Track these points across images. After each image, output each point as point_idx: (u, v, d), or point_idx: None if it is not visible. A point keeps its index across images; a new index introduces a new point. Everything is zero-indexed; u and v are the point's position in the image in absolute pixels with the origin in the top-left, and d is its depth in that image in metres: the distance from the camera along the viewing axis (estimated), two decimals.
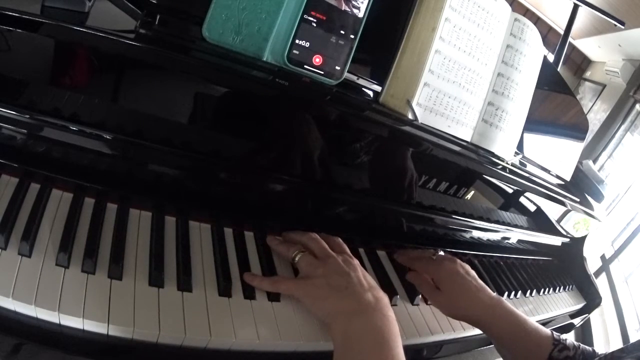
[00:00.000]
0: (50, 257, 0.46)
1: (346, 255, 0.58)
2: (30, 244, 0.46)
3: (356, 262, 0.58)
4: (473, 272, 0.70)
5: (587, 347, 0.62)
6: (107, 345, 0.44)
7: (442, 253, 0.76)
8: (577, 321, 1.06)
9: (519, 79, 0.79)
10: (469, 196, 0.78)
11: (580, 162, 1.12)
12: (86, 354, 0.43)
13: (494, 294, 0.67)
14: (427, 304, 0.71)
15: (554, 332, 0.63)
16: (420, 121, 0.70)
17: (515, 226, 0.93)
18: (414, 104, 0.69)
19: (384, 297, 0.54)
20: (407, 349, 0.63)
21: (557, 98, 1.02)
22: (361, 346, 0.48)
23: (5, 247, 0.44)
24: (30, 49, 0.47)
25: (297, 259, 0.58)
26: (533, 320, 0.65)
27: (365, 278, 0.55)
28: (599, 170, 1.62)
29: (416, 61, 0.69)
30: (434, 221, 0.80)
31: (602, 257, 2.68)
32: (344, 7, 0.62)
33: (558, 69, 1.17)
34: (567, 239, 1.11)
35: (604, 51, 4.58)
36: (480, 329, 0.66)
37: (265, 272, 0.58)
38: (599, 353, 0.61)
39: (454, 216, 0.80)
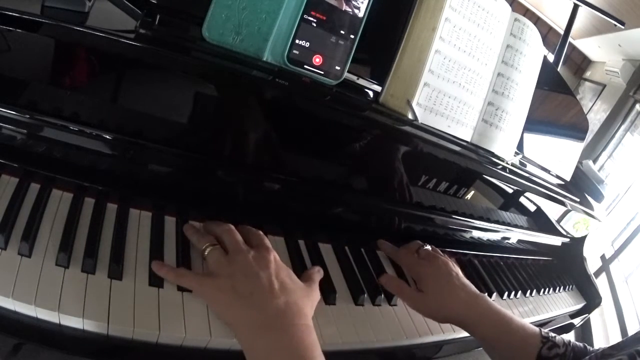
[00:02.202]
0: (50, 257, 0.46)
1: (260, 250, 0.51)
2: (30, 244, 0.46)
3: (271, 256, 0.51)
4: (456, 270, 0.67)
5: (577, 344, 0.60)
6: (107, 345, 0.44)
7: (428, 247, 0.72)
8: (577, 321, 1.06)
9: (519, 79, 0.79)
10: (469, 196, 0.78)
11: (580, 162, 1.12)
12: (86, 354, 0.43)
13: (477, 292, 0.64)
14: None
15: (543, 330, 0.61)
16: (420, 121, 0.70)
17: (515, 226, 0.93)
18: (414, 104, 0.69)
19: (297, 301, 0.48)
20: (407, 349, 0.64)
21: (557, 98, 1.02)
22: None
23: (5, 247, 0.44)
24: (30, 49, 0.47)
25: (206, 252, 0.51)
26: (530, 320, 0.64)
27: (278, 277, 0.49)
28: (599, 170, 1.62)
29: (416, 61, 0.69)
30: (434, 221, 0.80)
31: (602, 257, 2.68)
32: (344, 7, 0.62)
33: (558, 69, 1.17)
34: (567, 239, 1.11)
35: (604, 51, 4.58)
36: (464, 329, 0.63)
37: None
38: (590, 349, 0.60)
39: (454, 216, 0.80)
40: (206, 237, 0.54)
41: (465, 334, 0.71)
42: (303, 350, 0.43)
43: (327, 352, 0.52)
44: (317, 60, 0.62)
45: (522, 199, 0.89)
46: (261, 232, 0.56)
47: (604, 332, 2.05)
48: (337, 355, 0.54)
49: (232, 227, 0.54)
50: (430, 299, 0.63)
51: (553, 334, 0.61)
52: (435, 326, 0.67)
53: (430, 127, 0.71)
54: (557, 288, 1.01)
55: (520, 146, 0.89)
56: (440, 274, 0.65)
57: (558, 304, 0.99)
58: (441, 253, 0.71)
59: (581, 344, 0.60)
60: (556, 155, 0.97)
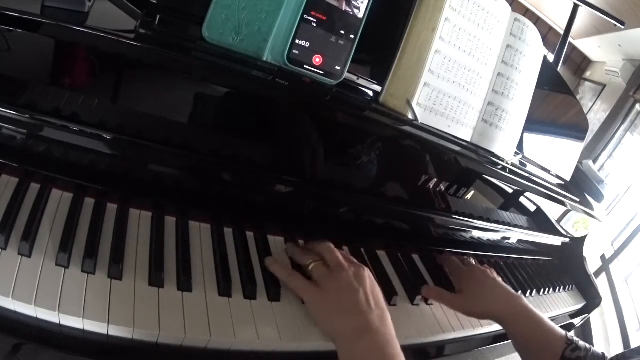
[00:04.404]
0: (50, 257, 0.46)
1: (358, 268, 0.59)
2: (30, 244, 0.45)
3: (366, 273, 0.58)
4: (495, 274, 0.76)
5: (597, 351, 0.65)
6: (107, 345, 0.44)
7: (472, 260, 0.81)
8: (577, 321, 1.06)
9: (519, 79, 0.79)
10: (469, 196, 0.78)
11: (580, 162, 1.11)
12: (86, 354, 0.43)
13: (514, 292, 0.71)
14: (427, 304, 0.71)
15: (568, 333, 0.67)
16: (420, 121, 0.70)
17: (515, 226, 0.93)
18: (414, 104, 0.69)
19: (387, 315, 0.55)
20: (407, 349, 0.64)
21: (557, 98, 1.02)
22: None
23: (5, 247, 0.44)
24: (30, 49, 0.47)
25: (310, 267, 0.58)
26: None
27: (373, 293, 0.56)
28: (599, 170, 1.62)
29: (416, 61, 0.69)
30: (433, 221, 0.80)
31: (602, 257, 2.68)
32: (344, 7, 0.62)
33: (558, 69, 1.17)
34: (567, 239, 1.11)
35: (604, 51, 4.59)
36: (501, 325, 0.70)
37: (266, 272, 0.58)
38: (608, 357, 0.64)
39: (454, 216, 0.80)
40: (309, 254, 0.60)
41: (465, 333, 0.72)
42: (393, 354, 0.50)
43: (326, 352, 0.53)
44: (317, 60, 0.62)
45: (522, 199, 0.89)
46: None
47: (604, 332, 2.05)
48: None
49: (332, 245, 0.61)
50: (472, 298, 0.70)
51: (577, 339, 0.66)
52: (435, 326, 0.68)
53: (430, 127, 0.71)
54: (557, 288, 1.02)
55: (520, 146, 0.89)
56: (480, 276, 0.74)
57: (558, 304, 0.99)
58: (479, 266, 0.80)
59: (600, 352, 0.65)
60: (556, 155, 0.97)
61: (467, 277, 0.74)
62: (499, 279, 0.74)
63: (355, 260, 0.61)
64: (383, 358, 0.50)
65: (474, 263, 0.81)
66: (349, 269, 0.57)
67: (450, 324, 0.70)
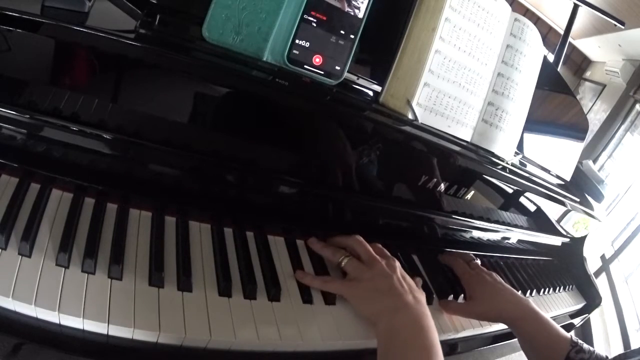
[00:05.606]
0: (50, 257, 0.46)
1: (389, 259, 0.63)
2: (30, 244, 0.45)
3: (397, 264, 0.62)
4: (499, 278, 0.78)
5: (600, 354, 0.66)
6: (107, 345, 0.44)
7: (477, 261, 0.82)
8: (577, 321, 1.06)
9: (519, 79, 0.79)
10: (469, 196, 0.78)
11: (580, 162, 1.11)
12: (86, 354, 0.43)
13: (520, 295, 0.74)
14: (427, 304, 0.71)
15: (573, 336, 0.68)
16: (420, 121, 0.70)
17: (515, 226, 0.93)
18: (414, 104, 0.69)
19: (421, 297, 0.60)
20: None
21: (557, 98, 1.02)
22: (404, 335, 0.54)
23: (5, 247, 0.44)
24: (30, 49, 0.47)
25: (343, 263, 0.62)
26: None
27: (405, 279, 0.61)
28: (599, 170, 1.62)
29: (416, 61, 0.69)
30: (433, 221, 0.80)
31: (602, 257, 2.68)
32: (344, 7, 0.62)
33: (558, 69, 1.17)
34: (567, 239, 1.11)
35: (604, 51, 4.59)
36: (509, 326, 0.72)
37: (266, 272, 0.58)
38: (610, 358, 0.66)
39: (453, 216, 0.80)
40: (339, 250, 0.64)
41: (465, 334, 0.72)
42: (427, 326, 0.55)
43: (326, 352, 0.53)
44: (317, 60, 0.62)
45: (522, 199, 0.89)
46: (380, 245, 0.67)
47: (604, 332, 2.06)
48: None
49: (361, 238, 0.65)
50: (482, 303, 0.73)
51: (581, 342, 0.68)
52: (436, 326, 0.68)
53: (430, 127, 0.71)
54: (557, 288, 1.01)
55: (520, 146, 0.89)
56: (490, 281, 0.76)
57: (558, 304, 0.99)
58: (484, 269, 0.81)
59: (603, 355, 0.67)
60: (556, 155, 0.97)
61: (478, 282, 0.75)
62: (504, 283, 0.76)
63: (387, 252, 0.65)
64: (419, 328, 0.54)
65: (479, 264, 0.81)
66: (381, 260, 0.61)
67: (450, 325, 0.70)
